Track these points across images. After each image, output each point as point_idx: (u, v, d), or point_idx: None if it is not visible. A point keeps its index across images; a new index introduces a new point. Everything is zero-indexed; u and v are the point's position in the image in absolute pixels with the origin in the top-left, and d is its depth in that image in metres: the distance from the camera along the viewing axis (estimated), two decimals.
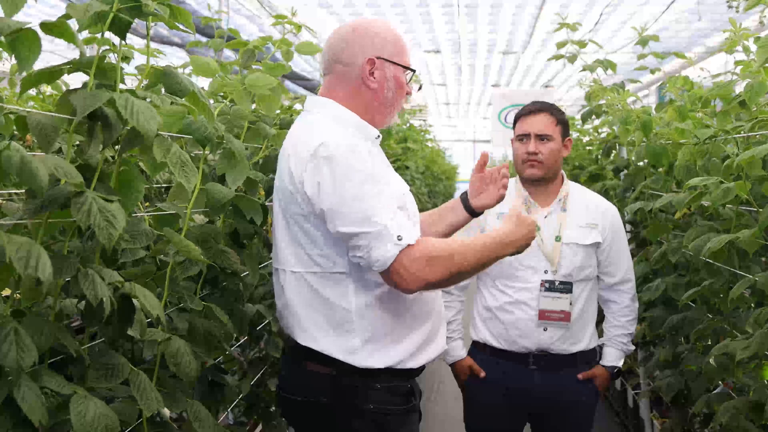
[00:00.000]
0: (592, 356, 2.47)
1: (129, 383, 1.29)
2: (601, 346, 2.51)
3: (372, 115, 1.73)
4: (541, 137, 2.38)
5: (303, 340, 1.67)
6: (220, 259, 1.75)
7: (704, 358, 2.38)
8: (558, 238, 2.38)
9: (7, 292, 1.21)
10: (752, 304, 2.27)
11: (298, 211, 1.61)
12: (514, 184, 2.49)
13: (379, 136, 1.74)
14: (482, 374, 2.43)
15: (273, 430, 2.36)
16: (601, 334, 2.56)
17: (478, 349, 2.49)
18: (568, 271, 2.37)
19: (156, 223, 1.70)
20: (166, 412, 1.53)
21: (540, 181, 2.42)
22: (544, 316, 2.35)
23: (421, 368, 1.73)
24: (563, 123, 2.42)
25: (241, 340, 2.30)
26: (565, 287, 2.37)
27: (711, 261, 2.28)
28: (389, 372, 1.64)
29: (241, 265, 1.83)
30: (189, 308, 1.65)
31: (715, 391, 2.40)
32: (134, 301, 1.31)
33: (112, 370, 1.27)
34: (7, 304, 1.15)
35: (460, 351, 2.49)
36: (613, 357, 2.48)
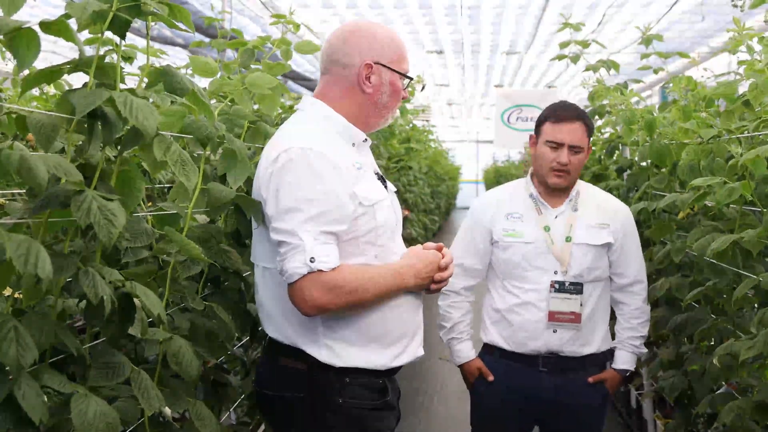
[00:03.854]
0: (603, 359, 2.43)
1: (130, 382, 1.29)
2: (612, 349, 2.47)
3: (365, 117, 1.74)
4: (575, 149, 2.32)
5: (272, 332, 1.70)
6: (221, 259, 1.75)
7: (708, 358, 2.37)
8: (568, 239, 2.34)
9: (8, 291, 1.21)
10: (756, 305, 2.26)
11: (263, 210, 1.64)
12: (524, 183, 2.46)
13: (366, 139, 1.75)
14: (491, 377, 2.41)
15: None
16: (613, 336, 2.53)
17: (487, 351, 2.47)
18: (578, 272, 2.33)
19: (158, 222, 1.70)
20: (168, 411, 1.53)
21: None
22: (554, 317, 2.32)
23: (395, 369, 1.73)
24: (591, 130, 2.37)
25: (244, 340, 2.29)
26: (576, 288, 2.33)
27: (715, 261, 2.27)
28: (360, 369, 1.65)
29: (242, 264, 1.83)
30: (191, 308, 1.65)
31: (719, 392, 2.39)
32: (135, 300, 1.31)
33: (114, 369, 1.27)
34: (8, 302, 1.15)
35: (469, 352, 2.47)
36: (624, 360, 2.44)
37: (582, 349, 2.36)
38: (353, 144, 1.72)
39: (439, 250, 1.78)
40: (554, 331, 2.33)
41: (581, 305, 2.33)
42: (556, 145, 2.32)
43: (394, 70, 1.72)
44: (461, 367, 2.48)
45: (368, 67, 1.69)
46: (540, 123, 2.39)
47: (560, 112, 2.34)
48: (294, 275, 1.53)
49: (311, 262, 1.52)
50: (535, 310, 2.33)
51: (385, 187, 1.76)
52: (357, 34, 1.72)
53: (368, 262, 1.65)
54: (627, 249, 2.42)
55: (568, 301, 2.32)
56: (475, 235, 2.44)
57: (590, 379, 2.39)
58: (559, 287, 2.32)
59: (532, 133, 2.42)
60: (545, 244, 2.34)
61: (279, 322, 1.67)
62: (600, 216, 2.39)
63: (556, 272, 2.33)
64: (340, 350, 1.63)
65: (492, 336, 2.43)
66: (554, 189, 2.37)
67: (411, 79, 1.77)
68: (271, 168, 1.60)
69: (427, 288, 1.75)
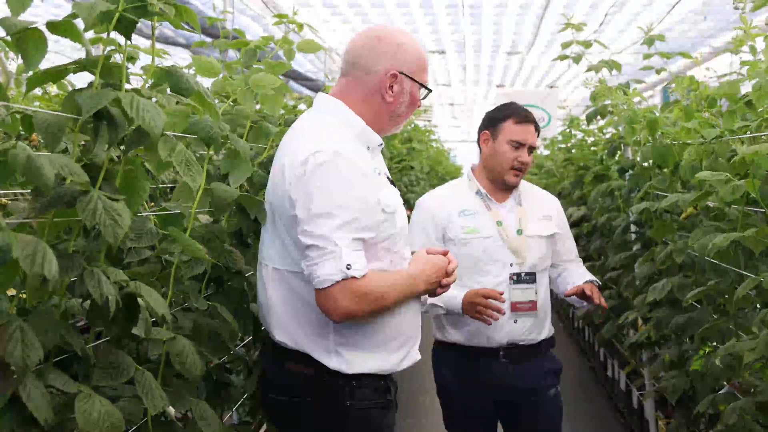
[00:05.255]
0: (552, 342, 2.56)
1: (134, 382, 1.29)
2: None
3: (381, 123, 1.75)
4: (531, 149, 2.48)
5: (280, 336, 1.69)
6: (224, 259, 1.75)
7: (710, 358, 2.37)
8: (519, 232, 2.46)
9: (12, 291, 1.22)
10: (758, 305, 2.26)
11: (286, 211, 1.62)
12: (466, 181, 2.55)
13: (381, 144, 1.76)
14: (501, 293, 2.32)
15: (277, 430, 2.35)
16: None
17: (446, 348, 2.52)
18: (533, 262, 2.45)
19: (161, 222, 1.70)
20: (172, 410, 1.53)
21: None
22: (515, 308, 2.43)
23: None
24: (539, 133, 2.55)
25: (246, 340, 2.30)
26: (531, 278, 2.45)
27: (716, 261, 2.27)
28: (366, 374, 1.67)
29: (245, 264, 1.84)
30: (194, 307, 1.65)
31: (720, 392, 2.39)
32: (139, 300, 1.31)
33: (118, 368, 1.27)
34: (13, 302, 1.15)
35: (456, 293, 2.35)
36: (587, 275, 2.54)
37: (538, 336, 2.48)
38: (368, 148, 1.72)
39: (444, 254, 1.79)
40: (515, 321, 2.43)
41: (536, 293, 2.45)
42: (519, 145, 2.44)
43: (415, 81, 1.73)
44: (463, 302, 2.36)
45: (393, 76, 1.69)
46: (499, 121, 2.48)
47: (523, 113, 2.47)
48: (326, 281, 1.52)
49: (347, 269, 1.51)
50: (497, 302, 2.38)
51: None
52: (384, 42, 1.71)
53: (384, 267, 1.65)
54: (566, 234, 2.62)
55: (526, 291, 2.44)
56: (428, 230, 2.49)
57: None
58: (518, 278, 2.44)
59: (485, 130, 2.50)
60: (500, 238, 2.44)
61: (289, 327, 1.67)
62: (543, 209, 2.55)
63: (512, 264, 2.44)
64: (349, 357, 1.64)
65: (451, 336, 2.49)
66: (506, 186, 2.49)
67: (430, 90, 1.78)
68: (299, 170, 1.57)
69: (433, 292, 1.77)
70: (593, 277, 2.56)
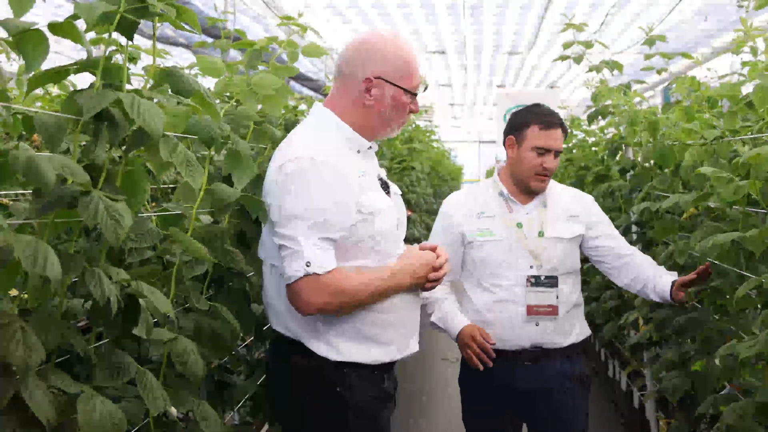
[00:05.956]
0: (580, 347, 2.50)
1: (136, 382, 1.29)
2: (586, 339, 2.49)
3: (368, 128, 1.79)
4: (557, 153, 2.40)
5: (277, 326, 1.77)
6: (225, 259, 1.75)
7: (711, 359, 2.37)
8: (541, 234, 2.40)
9: (14, 291, 1.22)
10: (759, 305, 2.26)
11: (269, 214, 1.71)
12: (492, 183, 2.51)
13: (371, 146, 1.80)
14: (492, 340, 2.36)
15: (279, 430, 2.35)
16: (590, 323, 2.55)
17: None
18: (552, 266, 2.39)
19: (162, 223, 1.70)
20: (173, 411, 1.53)
21: None
22: (532, 311, 2.37)
23: (391, 363, 1.80)
24: (567, 134, 2.46)
25: (247, 340, 2.30)
26: (551, 281, 2.38)
27: (717, 262, 2.27)
28: (358, 363, 1.72)
29: (246, 265, 1.84)
30: (195, 308, 1.65)
31: (721, 393, 2.39)
32: (140, 300, 1.31)
33: (119, 369, 1.27)
34: (14, 303, 1.15)
35: (461, 319, 2.41)
36: (664, 276, 2.36)
37: (563, 341, 2.41)
38: (358, 151, 1.77)
39: (434, 250, 1.83)
40: (536, 324, 2.38)
41: (557, 297, 2.38)
42: (544, 152, 2.37)
43: (397, 86, 1.74)
44: (458, 336, 2.40)
45: (368, 81, 1.73)
46: (523, 126, 2.41)
47: (548, 118, 2.39)
48: (292, 277, 1.62)
49: (307, 266, 1.60)
50: (514, 305, 2.37)
51: (389, 190, 1.80)
52: (365, 47, 1.76)
53: (368, 265, 1.71)
54: (607, 231, 2.50)
55: (545, 294, 2.37)
56: (447, 237, 2.46)
57: (679, 293, 2.27)
58: (535, 281, 2.38)
59: (511, 135, 2.44)
60: (518, 241, 2.39)
61: (284, 317, 1.74)
62: (569, 209, 2.46)
63: (531, 267, 2.38)
64: (339, 345, 1.71)
65: None
66: (531, 191, 2.43)
67: (415, 95, 1.80)
68: (276, 176, 1.67)
69: (423, 287, 1.81)
70: (668, 275, 2.37)
